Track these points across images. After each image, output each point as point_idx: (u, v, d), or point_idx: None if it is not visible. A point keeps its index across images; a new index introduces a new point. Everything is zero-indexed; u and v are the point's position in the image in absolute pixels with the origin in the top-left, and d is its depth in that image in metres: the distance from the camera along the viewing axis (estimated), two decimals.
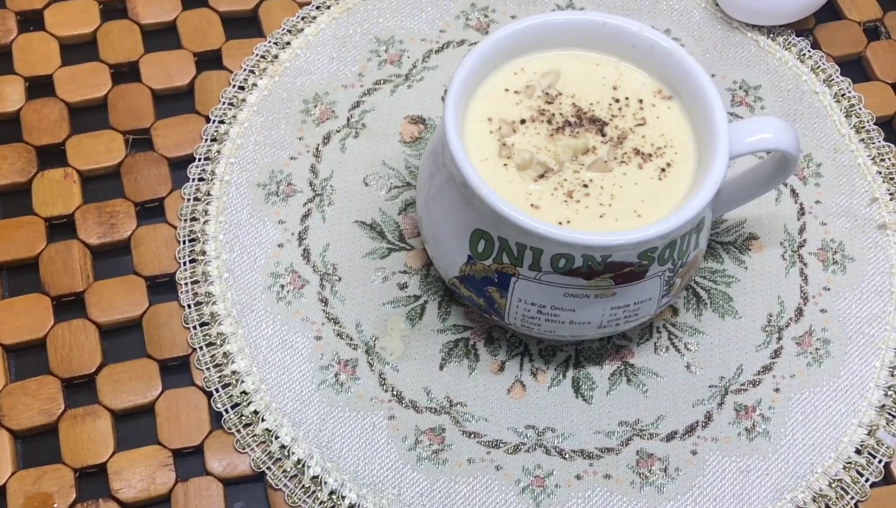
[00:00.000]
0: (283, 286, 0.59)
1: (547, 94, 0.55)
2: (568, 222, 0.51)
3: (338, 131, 0.65)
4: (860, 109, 0.68)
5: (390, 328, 0.59)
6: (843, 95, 0.68)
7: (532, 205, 0.52)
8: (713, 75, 0.68)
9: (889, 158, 0.66)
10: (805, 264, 0.62)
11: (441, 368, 0.58)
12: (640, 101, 0.55)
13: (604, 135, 0.54)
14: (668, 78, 0.55)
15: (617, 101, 0.55)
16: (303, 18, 0.68)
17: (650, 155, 0.53)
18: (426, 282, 0.60)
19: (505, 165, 0.53)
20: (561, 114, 0.54)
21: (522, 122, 0.54)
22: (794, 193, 0.64)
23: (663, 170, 0.53)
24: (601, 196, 0.52)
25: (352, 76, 0.67)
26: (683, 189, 0.53)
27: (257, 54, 0.67)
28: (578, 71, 0.56)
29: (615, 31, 0.55)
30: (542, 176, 0.52)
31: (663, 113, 0.55)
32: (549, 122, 0.54)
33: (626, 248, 0.49)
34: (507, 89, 0.55)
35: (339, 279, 0.60)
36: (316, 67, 0.67)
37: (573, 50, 0.57)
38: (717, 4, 0.71)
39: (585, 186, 0.52)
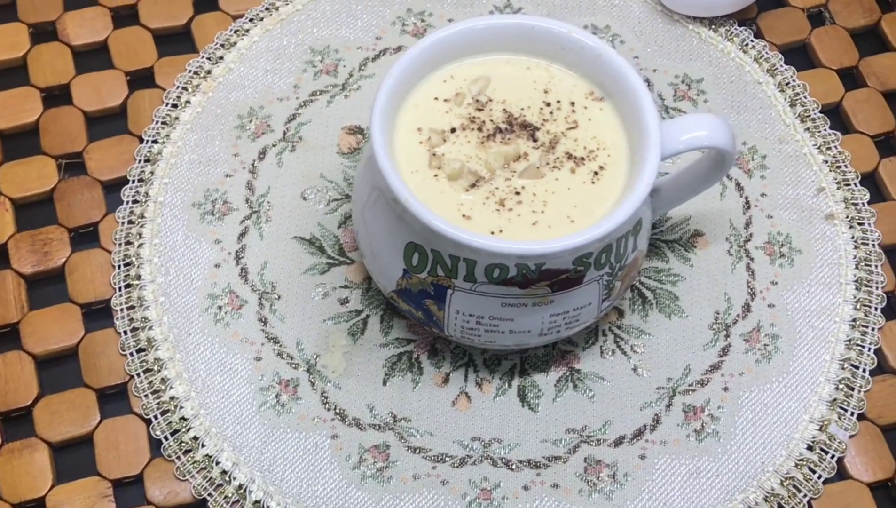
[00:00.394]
0: (220, 308, 0.58)
1: (477, 101, 0.54)
2: (500, 231, 0.50)
3: (274, 146, 0.64)
4: (805, 97, 0.67)
5: (332, 344, 0.58)
6: (787, 84, 0.67)
7: (464, 216, 0.51)
8: (654, 70, 0.67)
9: (835, 147, 0.65)
10: (752, 259, 0.61)
11: (384, 383, 0.57)
12: (572, 103, 0.54)
13: (535, 140, 0.53)
14: (600, 79, 0.54)
15: (548, 104, 0.54)
16: (236, 32, 0.67)
17: (582, 159, 0.52)
18: (367, 296, 0.59)
19: (435, 175, 0.52)
20: (492, 121, 0.53)
21: (452, 130, 0.53)
22: (739, 186, 0.64)
23: (596, 173, 0.52)
24: (533, 203, 0.51)
25: (287, 88, 0.66)
26: (616, 192, 0.52)
27: (190, 71, 0.66)
28: (509, 76, 0.55)
29: (544, 33, 0.54)
30: (473, 185, 0.51)
31: (595, 115, 0.54)
32: (480, 129, 0.53)
33: (560, 255, 0.49)
34: (436, 98, 0.54)
35: (279, 298, 0.59)
36: (250, 80, 0.66)
37: (503, 54, 0.55)
38: None
39: (517, 193, 0.51)
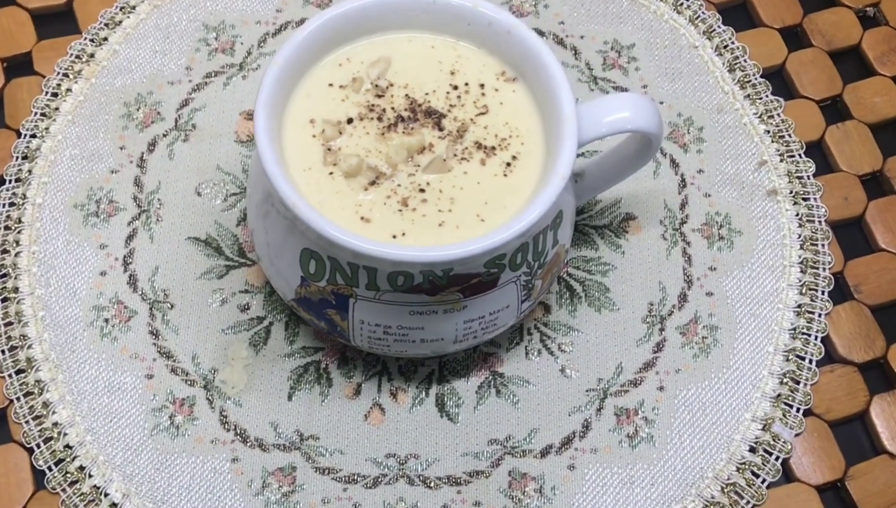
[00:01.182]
0: (107, 321, 0.53)
1: (376, 86, 0.49)
2: (403, 234, 0.45)
3: (164, 135, 0.58)
4: (745, 61, 0.62)
5: (231, 357, 0.53)
6: (725, 47, 0.62)
7: (362, 218, 0.46)
8: (582, 37, 0.62)
9: (778, 115, 0.60)
10: (688, 243, 0.57)
11: (290, 398, 0.52)
12: (482, 86, 0.49)
13: (441, 129, 0.48)
14: (511, 57, 0.49)
15: (455, 88, 0.49)
16: (121, 9, 0.61)
17: (493, 148, 0.47)
18: (271, 301, 0.54)
19: (331, 173, 0.47)
20: (393, 108, 0.48)
21: (349, 121, 0.48)
22: (673, 163, 0.59)
23: (509, 165, 0.47)
24: (440, 201, 0.46)
25: (179, 71, 0.60)
26: (532, 185, 0.47)
27: (71, 54, 0.60)
28: (411, 56, 0.50)
29: (447, 7, 0.49)
30: (373, 183, 0.46)
31: (507, 98, 0.49)
32: (380, 119, 0.48)
33: (468, 260, 0.44)
34: (330, 84, 0.49)
35: (172, 307, 0.54)
36: (137, 63, 0.60)
37: (404, 32, 0.50)
38: None
39: (422, 190, 0.46)
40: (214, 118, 0.59)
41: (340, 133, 0.47)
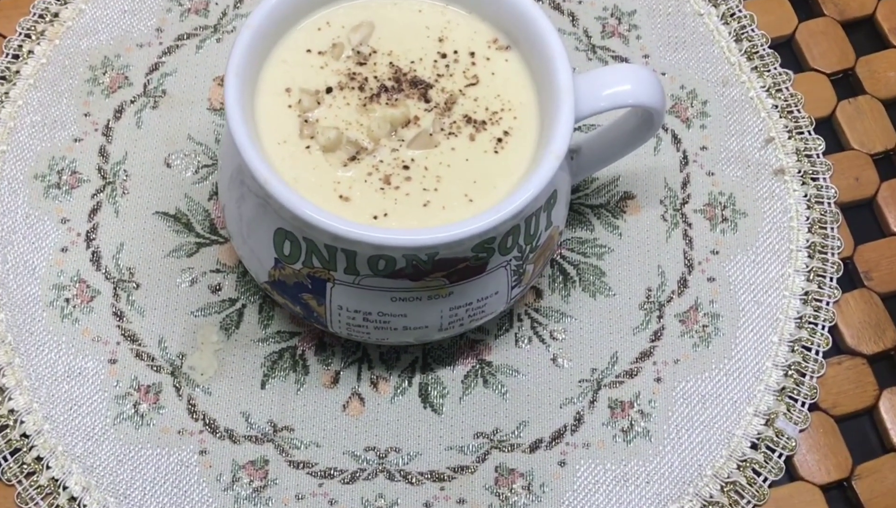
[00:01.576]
0: (68, 300, 0.50)
1: (358, 53, 0.46)
2: (385, 215, 0.42)
3: (132, 102, 0.55)
4: (752, 30, 0.58)
5: (201, 341, 0.50)
6: (732, 15, 0.59)
7: (341, 197, 0.42)
8: (580, 2, 0.59)
9: (787, 88, 0.57)
10: (689, 225, 0.54)
11: (263, 386, 0.49)
12: (472, 54, 0.46)
13: (428, 101, 0.44)
14: (504, 24, 0.46)
15: (444, 56, 0.46)
16: None
17: (484, 123, 0.44)
18: (244, 281, 0.51)
19: (308, 147, 0.43)
20: (376, 77, 0.45)
21: (329, 90, 0.45)
22: (675, 138, 0.55)
23: (500, 140, 0.44)
24: (425, 179, 0.43)
25: (149, 32, 0.57)
26: (524, 163, 0.44)
27: (34, 13, 0.56)
28: (396, 21, 0.47)
29: None
30: (353, 158, 0.43)
31: (500, 68, 0.45)
32: (362, 88, 0.45)
33: (455, 244, 0.41)
34: (308, 50, 0.46)
35: (137, 286, 0.51)
36: (104, 24, 0.57)
37: None
38: None
39: (406, 167, 0.43)
40: (186, 84, 0.55)
41: (319, 103, 0.44)
